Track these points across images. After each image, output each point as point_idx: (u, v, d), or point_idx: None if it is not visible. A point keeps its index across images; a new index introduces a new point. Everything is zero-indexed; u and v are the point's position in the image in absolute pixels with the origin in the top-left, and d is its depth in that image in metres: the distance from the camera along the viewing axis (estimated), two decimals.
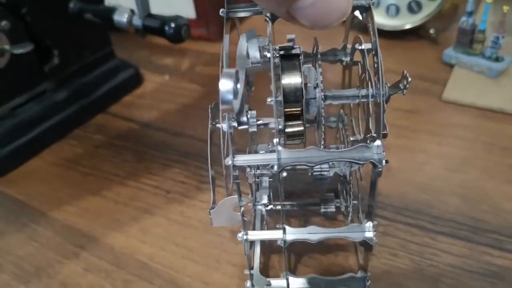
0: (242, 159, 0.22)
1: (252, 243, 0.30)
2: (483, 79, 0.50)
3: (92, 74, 0.54)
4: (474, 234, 0.33)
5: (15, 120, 0.46)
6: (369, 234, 0.25)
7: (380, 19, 0.60)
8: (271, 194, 0.33)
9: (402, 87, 0.23)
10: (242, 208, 0.24)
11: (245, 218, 0.24)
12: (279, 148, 0.22)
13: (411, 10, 0.59)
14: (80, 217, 0.38)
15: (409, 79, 0.22)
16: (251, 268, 0.28)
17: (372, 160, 0.22)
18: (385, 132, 0.22)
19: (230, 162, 0.22)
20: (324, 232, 0.25)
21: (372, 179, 0.23)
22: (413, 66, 0.55)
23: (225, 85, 0.18)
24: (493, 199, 0.36)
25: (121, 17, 0.47)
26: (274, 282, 0.28)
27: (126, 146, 0.47)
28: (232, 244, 0.34)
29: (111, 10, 0.48)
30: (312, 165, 0.22)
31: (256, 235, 0.27)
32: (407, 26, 0.59)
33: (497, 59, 0.50)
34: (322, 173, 0.29)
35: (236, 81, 0.18)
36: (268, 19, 0.22)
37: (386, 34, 0.59)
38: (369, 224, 0.25)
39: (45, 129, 0.47)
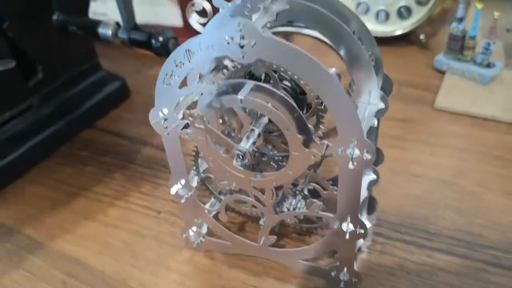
0: None
1: None
2: (474, 86, 0.50)
3: (77, 88, 0.52)
4: (472, 250, 0.33)
5: None
6: None
7: (370, 25, 0.60)
8: None
9: None
10: None
11: None
12: None
13: (400, 15, 0.59)
14: (68, 241, 0.37)
15: None
16: None
17: None
18: None
19: None
20: None
21: None
22: (405, 73, 0.54)
23: None
24: (490, 212, 0.36)
25: (106, 30, 0.46)
26: None
27: (115, 163, 0.45)
28: (226, 268, 0.33)
29: (96, 23, 0.47)
30: None
31: None
32: (398, 32, 0.58)
33: (488, 65, 0.50)
34: None
35: None
36: None
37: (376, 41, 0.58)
38: None
39: (30, 147, 0.46)
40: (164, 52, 0.43)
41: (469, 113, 0.47)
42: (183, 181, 0.31)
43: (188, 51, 0.24)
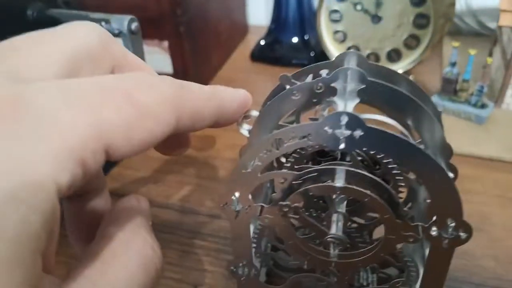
0: None
1: None
2: (472, 127, 0.53)
3: None
4: None
5: None
6: None
7: None
8: None
9: None
10: None
11: None
12: None
13: (390, 59, 0.61)
14: None
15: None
16: None
17: None
18: None
19: None
20: None
21: None
22: None
23: None
24: None
25: None
26: None
27: None
28: None
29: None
30: None
31: None
32: None
33: (482, 106, 0.53)
34: None
35: None
36: None
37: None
38: None
39: None
40: None
41: (474, 154, 0.49)
42: (245, 262, 0.29)
43: (279, 140, 0.23)
